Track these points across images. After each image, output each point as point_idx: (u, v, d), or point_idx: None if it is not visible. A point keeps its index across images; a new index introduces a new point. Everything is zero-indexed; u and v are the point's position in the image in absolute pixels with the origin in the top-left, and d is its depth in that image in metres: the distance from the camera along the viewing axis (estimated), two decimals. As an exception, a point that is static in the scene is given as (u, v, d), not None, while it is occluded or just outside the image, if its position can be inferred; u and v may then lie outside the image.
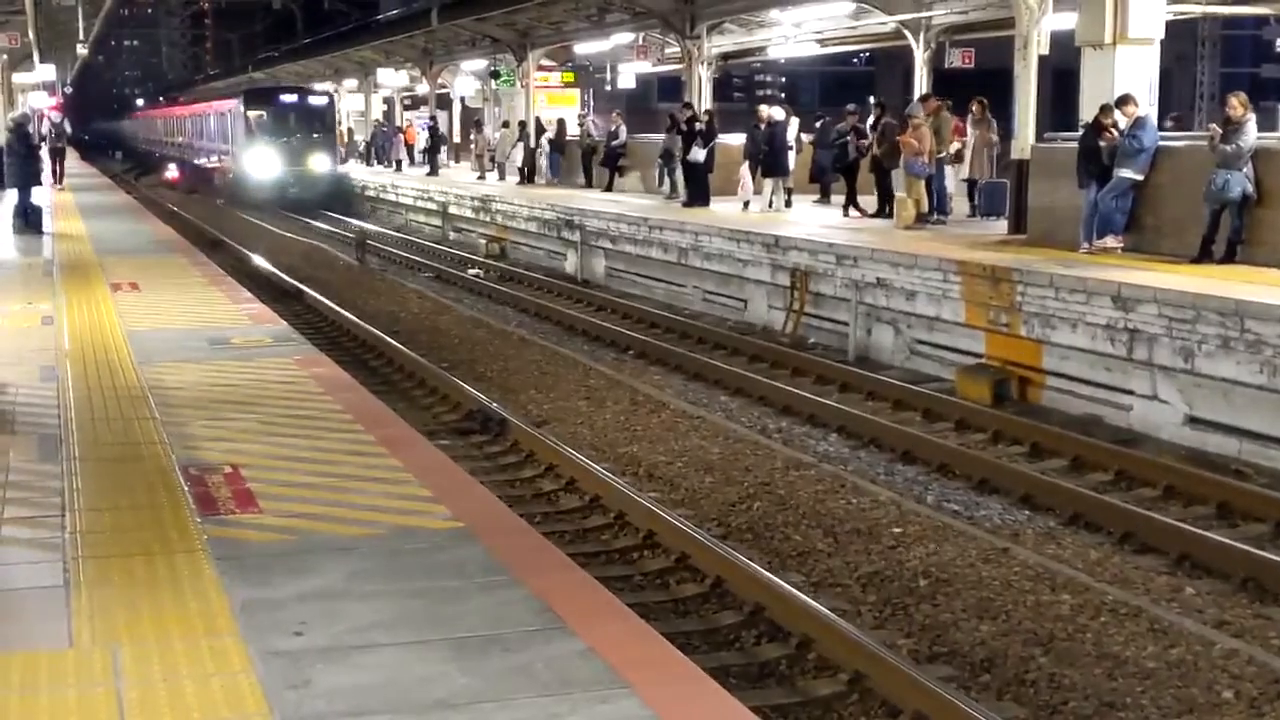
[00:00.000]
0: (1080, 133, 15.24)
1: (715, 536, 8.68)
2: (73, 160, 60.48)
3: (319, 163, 39.24)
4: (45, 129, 39.33)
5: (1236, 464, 10.79)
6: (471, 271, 23.89)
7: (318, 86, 49.09)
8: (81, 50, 33.59)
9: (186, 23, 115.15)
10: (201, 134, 49.50)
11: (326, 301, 19.21)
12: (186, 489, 6.72)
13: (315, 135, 39.57)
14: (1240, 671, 6.70)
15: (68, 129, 50.65)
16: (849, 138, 21.49)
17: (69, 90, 59.46)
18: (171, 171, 53.54)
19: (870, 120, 20.95)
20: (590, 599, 5.32)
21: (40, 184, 24.02)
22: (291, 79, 54.84)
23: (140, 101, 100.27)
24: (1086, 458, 10.81)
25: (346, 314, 17.94)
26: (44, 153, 30.83)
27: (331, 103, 42.03)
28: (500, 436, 11.44)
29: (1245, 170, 12.99)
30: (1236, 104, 13.26)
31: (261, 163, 38.85)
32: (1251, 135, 13.07)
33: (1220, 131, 13.21)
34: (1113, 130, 14.62)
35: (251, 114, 39.53)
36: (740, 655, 7.03)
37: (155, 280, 15.42)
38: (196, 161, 50.96)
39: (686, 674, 4.67)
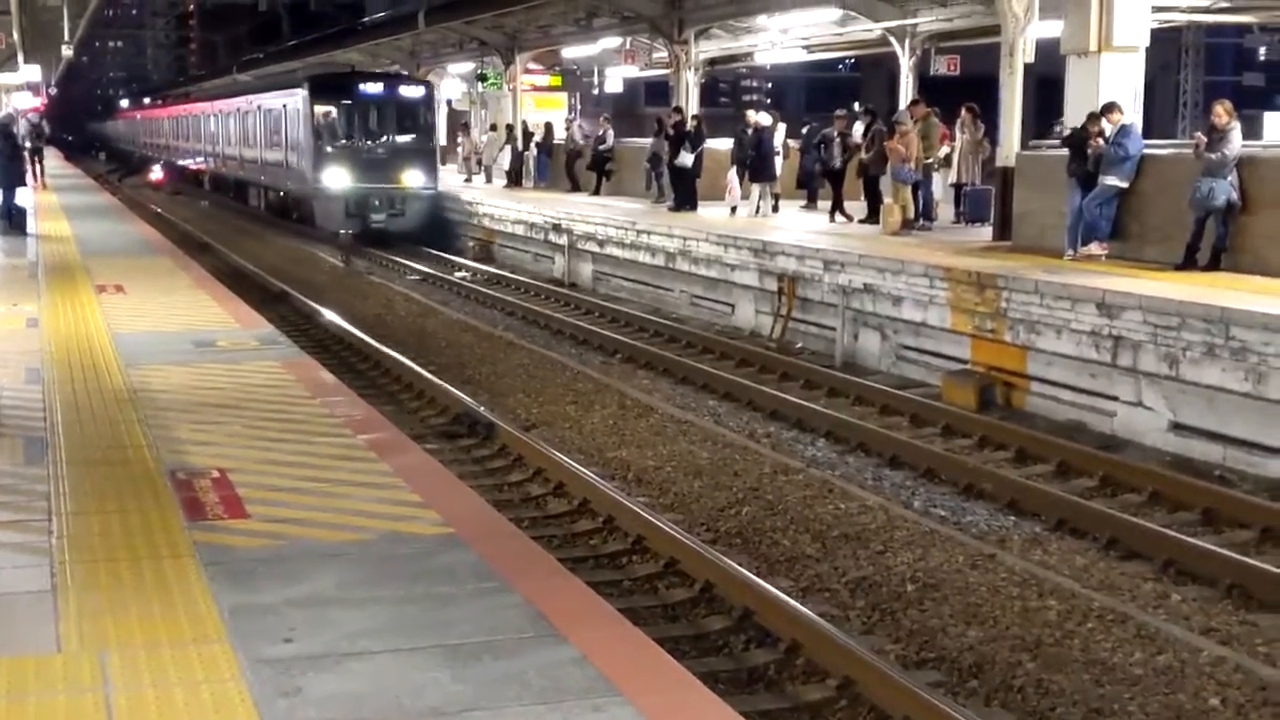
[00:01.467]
0: (1063, 137, 15.28)
1: (704, 541, 8.68)
2: (57, 162, 60.24)
3: (415, 177, 28.68)
4: (23, 129, 36.04)
5: (1221, 470, 10.83)
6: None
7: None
8: (67, 51, 33.44)
9: (172, 24, 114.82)
10: (230, 137, 39.65)
11: (313, 304, 19.16)
12: (174, 493, 6.69)
13: (410, 139, 29.48)
14: (1227, 678, 6.72)
15: (46, 129, 49.47)
16: (835, 141, 21.55)
17: (53, 91, 59.06)
18: (156, 173, 53.15)
19: (861, 128, 21.01)
20: (581, 604, 5.32)
21: (25, 184, 23.92)
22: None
23: (125, 102, 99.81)
24: (1072, 463, 10.85)
25: (333, 317, 17.90)
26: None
27: (430, 94, 31.32)
28: (488, 440, 11.43)
29: (1230, 178, 13.05)
30: (1221, 112, 13.32)
31: (335, 178, 28.33)
32: (1236, 143, 13.13)
33: (1205, 139, 13.27)
34: (1098, 139, 14.68)
35: (321, 109, 29.06)
36: (729, 660, 7.03)
37: (141, 282, 15.36)
38: (226, 172, 41.11)
39: (678, 680, 4.66)
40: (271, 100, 33.65)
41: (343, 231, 28.05)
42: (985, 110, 19.89)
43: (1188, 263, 13.36)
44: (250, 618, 5.07)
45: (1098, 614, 7.55)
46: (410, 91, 30.59)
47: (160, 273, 16.62)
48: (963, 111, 20.30)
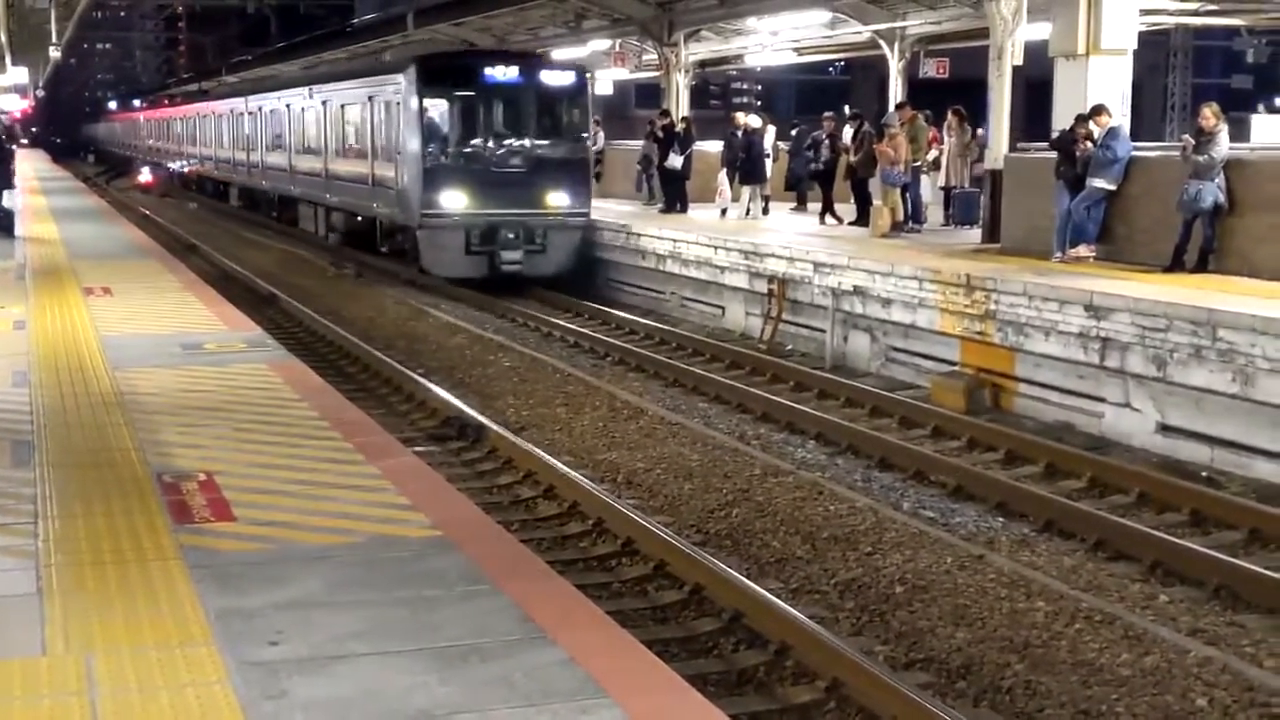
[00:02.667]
0: (1054, 139, 15.32)
1: (694, 543, 8.68)
2: (45, 164, 60.09)
3: (561, 198, 21.22)
4: None
5: (1208, 472, 10.86)
6: None
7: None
8: (55, 53, 33.34)
9: (160, 26, 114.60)
10: (272, 141, 31.93)
11: (302, 307, 19.13)
12: (161, 496, 6.67)
13: (555, 144, 21.73)
14: (1214, 679, 6.73)
15: (18, 131, 48.79)
16: (824, 143, 21.58)
17: (41, 93, 58.79)
18: (145, 175, 52.98)
19: (850, 131, 21.04)
20: (570, 607, 5.31)
21: (13, 187, 23.84)
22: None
23: (113, 104, 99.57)
24: (1060, 465, 10.87)
25: (322, 319, 17.87)
26: None
27: (583, 81, 22.34)
28: (478, 443, 11.41)
29: (1217, 180, 13.09)
30: (1209, 114, 13.37)
31: (452, 200, 20.87)
32: (1224, 146, 13.17)
33: (1193, 142, 13.31)
34: (1087, 142, 14.71)
35: (432, 103, 21.38)
36: (719, 662, 7.03)
37: (129, 285, 15.33)
38: (265, 186, 33.23)
39: (666, 683, 4.66)
40: (346, 92, 25.50)
41: (329, 235, 27.18)
42: (974, 113, 19.94)
43: (1175, 265, 13.39)
44: (237, 620, 5.06)
45: (1086, 615, 7.56)
46: (556, 77, 21.85)
47: (148, 275, 16.58)
48: (949, 115, 20.36)
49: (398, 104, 21.69)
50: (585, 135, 22.28)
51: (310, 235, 29.34)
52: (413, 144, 21.21)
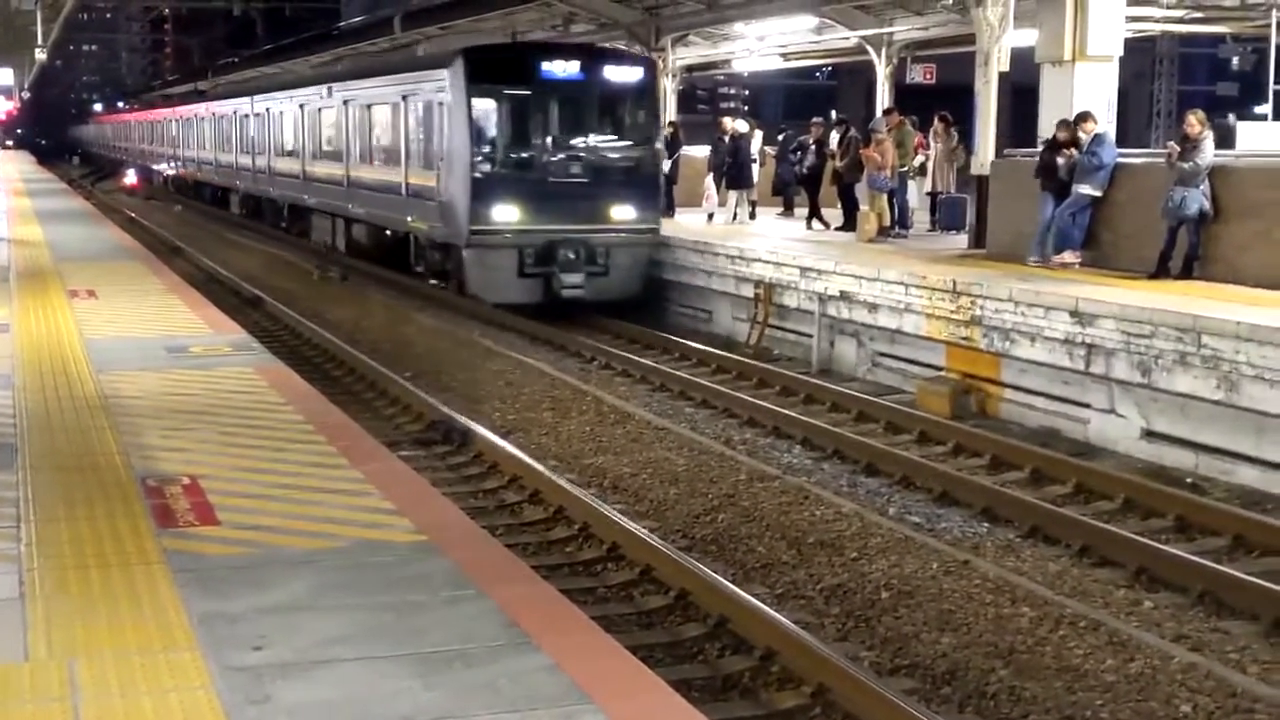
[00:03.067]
0: (1040, 148, 15.38)
1: (680, 548, 8.67)
2: (30, 165, 59.91)
3: (628, 211, 18.69)
4: None
5: (1193, 478, 10.89)
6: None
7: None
8: (40, 54, 33.23)
9: (146, 28, 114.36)
10: (285, 145, 29.16)
11: (287, 310, 19.08)
12: (144, 500, 6.64)
13: (622, 148, 19.24)
14: (1198, 685, 6.75)
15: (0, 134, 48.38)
16: (810, 149, 21.61)
17: (27, 95, 58.62)
18: (130, 177, 52.82)
19: (836, 136, 21.08)
20: (555, 613, 5.30)
21: None
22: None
23: (98, 106, 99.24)
24: (1045, 470, 10.88)
25: (308, 323, 17.83)
26: None
27: (652, 77, 19.91)
28: (464, 447, 11.39)
29: (1202, 187, 13.13)
30: (1194, 122, 13.41)
31: (504, 213, 18.27)
32: (1209, 153, 13.22)
33: (1178, 149, 13.35)
34: (1071, 148, 14.76)
35: (482, 102, 18.64)
36: (704, 668, 7.03)
37: (113, 287, 15.27)
38: (274, 194, 30.80)
39: (651, 688, 4.65)
40: (374, 90, 22.80)
41: (326, 240, 26.48)
42: (960, 119, 19.98)
43: (1160, 271, 13.44)
44: (220, 625, 5.04)
45: (1070, 620, 7.57)
46: (622, 72, 19.07)
47: (133, 278, 16.52)
48: (935, 120, 20.41)
49: (440, 103, 18.87)
50: (655, 138, 19.60)
51: (297, 240, 29.04)
52: (459, 149, 18.35)
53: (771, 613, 7.37)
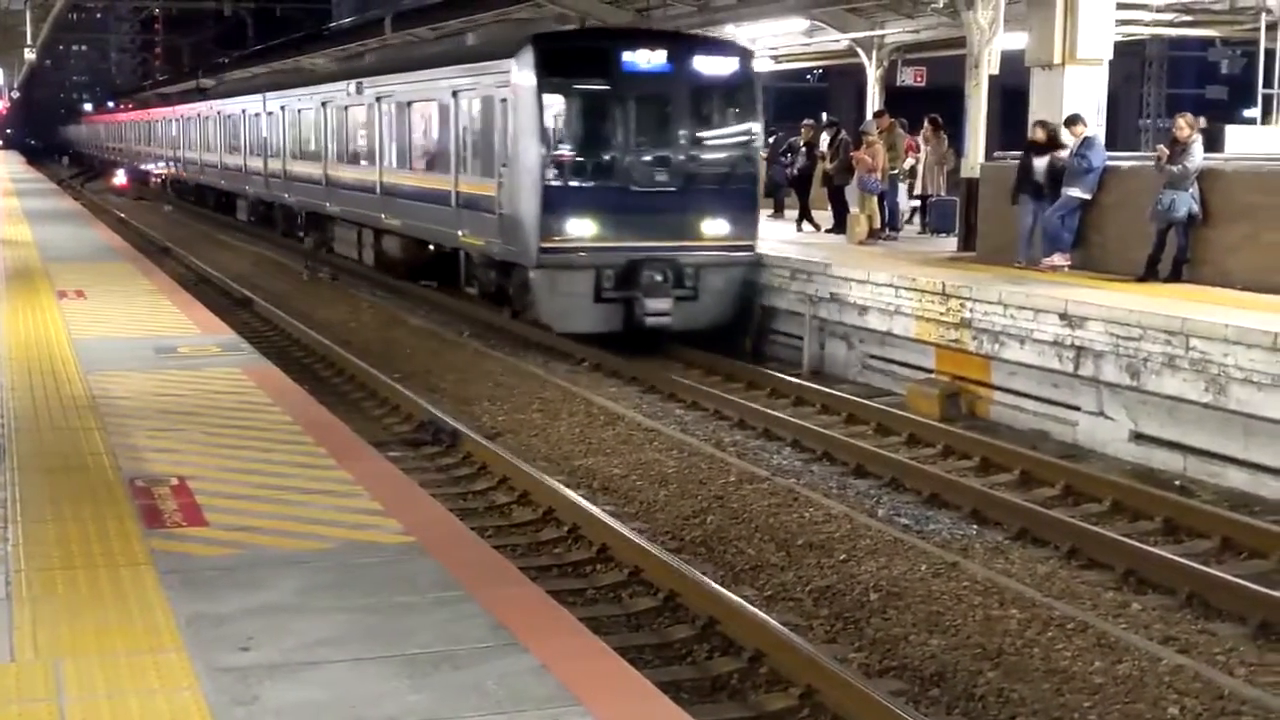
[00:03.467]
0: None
1: (669, 550, 8.67)
2: (20, 166, 59.79)
3: (721, 225, 16.20)
4: None
5: (1181, 480, 10.91)
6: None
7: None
8: (29, 55, 33.14)
9: (136, 28, 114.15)
10: (308, 146, 26.53)
11: (277, 311, 19.05)
12: (132, 501, 6.63)
13: (717, 154, 16.72)
14: (1186, 687, 6.76)
15: None
16: (801, 151, 21.63)
17: (16, 95, 58.45)
18: (119, 178, 52.69)
19: (827, 138, 21.09)
20: (543, 614, 5.29)
21: None
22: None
23: (88, 106, 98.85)
24: (1034, 473, 10.90)
25: (297, 323, 17.80)
26: None
27: (748, 69, 16.95)
28: (452, 448, 11.38)
29: (1191, 190, 13.16)
30: (1183, 125, 13.45)
31: (579, 228, 15.80)
32: (1198, 156, 13.25)
33: (1167, 152, 13.38)
34: (1051, 149, 14.82)
35: (554, 99, 16.10)
36: (693, 669, 7.03)
37: (102, 288, 15.24)
38: (288, 199, 28.11)
39: (639, 690, 4.65)
40: (417, 86, 20.22)
41: (306, 238, 26.34)
42: (950, 121, 20.01)
43: (1149, 274, 13.46)
44: (208, 626, 5.03)
45: (1058, 623, 7.59)
46: (716, 64, 16.47)
47: (122, 278, 16.48)
48: (926, 123, 20.44)
49: (502, 100, 16.25)
50: (753, 140, 16.83)
51: (288, 240, 28.91)
52: (527, 153, 15.73)
53: (760, 614, 7.37)
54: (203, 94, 43.55)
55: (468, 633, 4.98)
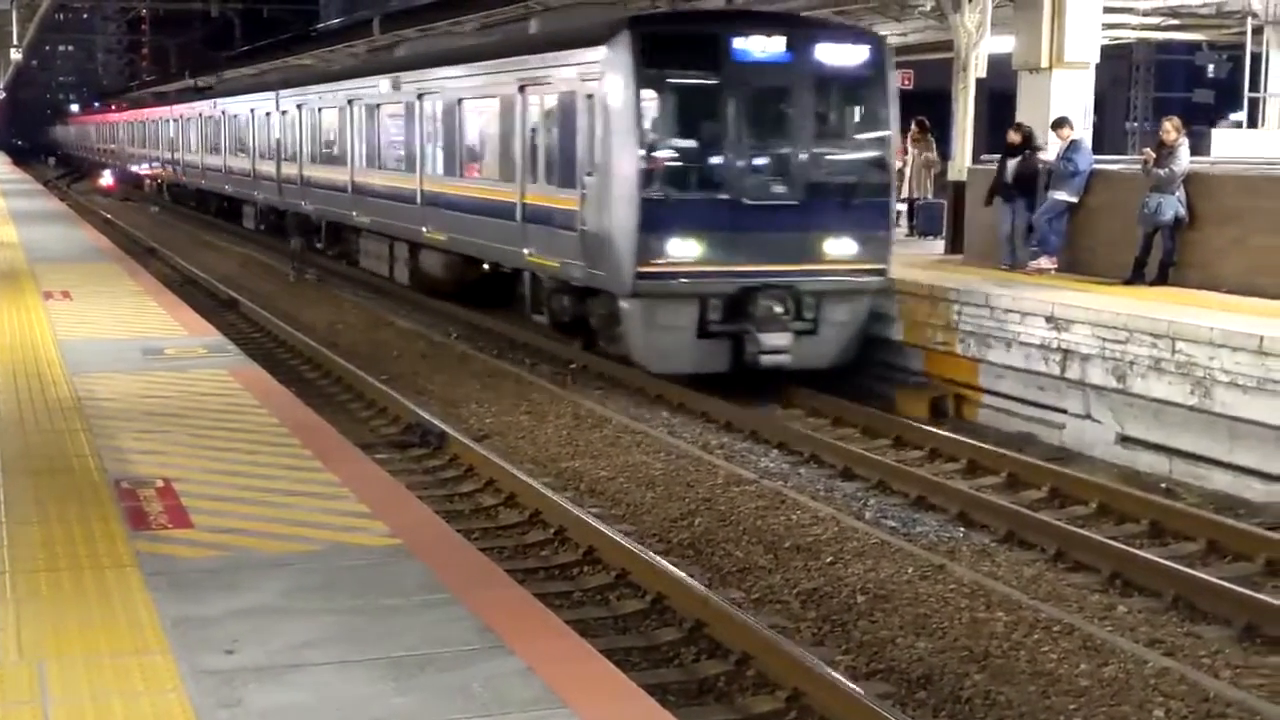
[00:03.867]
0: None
1: (656, 552, 8.66)
2: (6, 167, 59.62)
3: (848, 245, 13.84)
4: None
5: (1167, 483, 10.94)
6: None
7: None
8: (15, 55, 33.05)
9: (123, 29, 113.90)
10: (332, 150, 24.11)
11: (263, 312, 19.01)
12: (118, 503, 6.60)
13: (844, 157, 14.52)
14: (1171, 690, 6.78)
15: None
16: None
17: (2, 95, 58.19)
18: (106, 178, 52.54)
19: None
20: (529, 617, 5.29)
21: None
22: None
23: (75, 107, 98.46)
24: (1021, 475, 10.92)
25: (284, 325, 17.77)
26: None
27: (881, 57, 14.21)
28: (439, 450, 11.36)
29: (1178, 194, 13.21)
30: (1170, 128, 13.49)
31: (680, 248, 13.41)
32: (1184, 159, 13.30)
33: (1154, 155, 13.43)
34: (1027, 151, 14.89)
35: (652, 94, 13.68)
36: (680, 672, 7.02)
37: (89, 289, 15.19)
38: (309, 209, 25.46)
39: (625, 693, 4.64)
40: (472, 80, 17.67)
41: (294, 241, 25.56)
42: (938, 124, 20.05)
43: (1136, 277, 13.50)
44: (193, 628, 5.01)
45: (1045, 625, 7.60)
46: (843, 52, 13.93)
47: (109, 279, 16.44)
48: (913, 126, 20.47)
49: (589, 95, 13.79)
50: (886, 143, 14.23)
51: (272, 241, 28.73)
52: (622, 160, 13.25)
53: (747, 617, 7.37)
54: (200, 92, 41.52)
55: (454, 635, 4.97)
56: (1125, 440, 11.61)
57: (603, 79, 13.54)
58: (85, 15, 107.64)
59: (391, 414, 12.70)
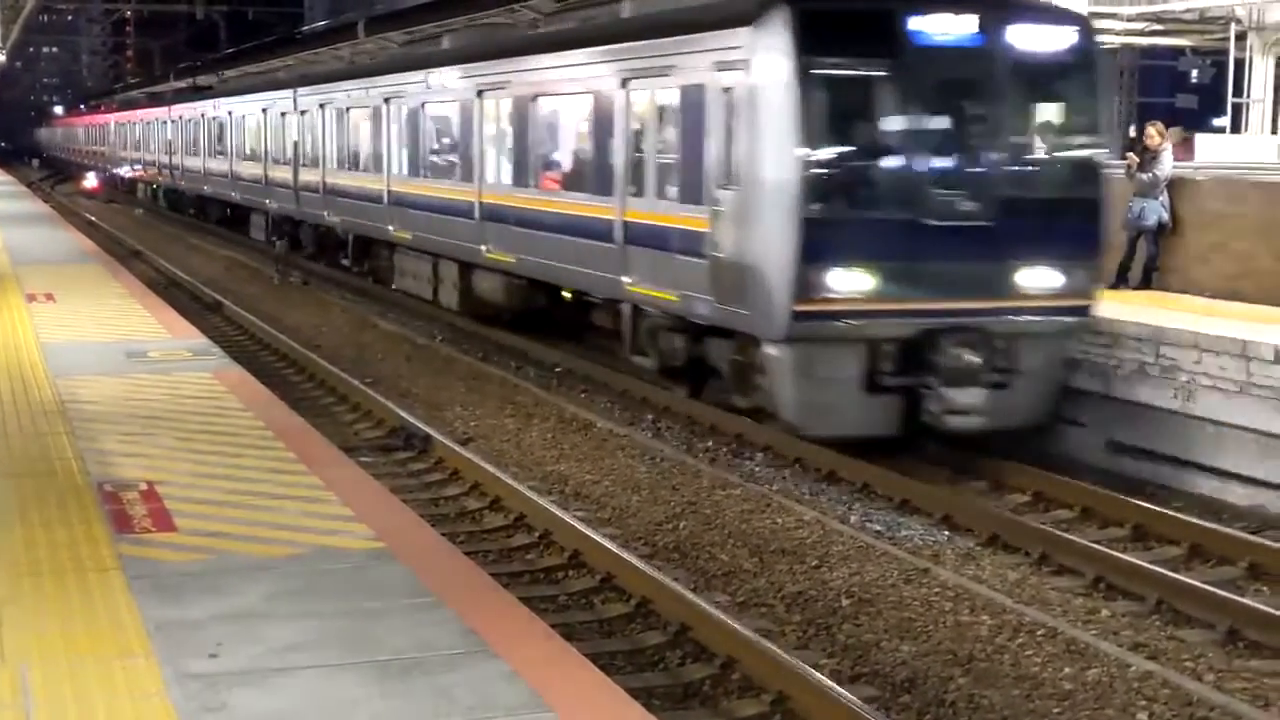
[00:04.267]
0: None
1: (641, 556, 8.66)
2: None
3: (1052, 275, 11.01)
4: None
5: (1151, 487, 10.97)
6: None
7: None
8: (-1, 56, 32.94)
9: (107, 30, 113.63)
10: (363, 155, 21.62)
11: (248, 315, 18.96)
12: (101, 506, 6.58)
13: (1053, 170, 11.82)
14: (1154, 694, 6.80)
15: None
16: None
17: None
18: (90, 181, 52.36)
19: None
20: (514, 621, 5.28)
21: None
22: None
23: (59, 110, 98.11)
24: (1005, 479, 10.93)
25: (268, 327, 17.72)
26: None
27: (1089, 44, 11.65)
28: (424, 454, 11.35)
29: (1161, 199, 13.27)
30: (1154, 133, 13.56)
31: (850, 280, 10.66)
32: (1167, 164, 13.36)
33: (1137, 160, 13.48)
34: None
35: (817, 88, 10.67)
36: (665, 676, 7.02)
37: (72, 291, 15.14)
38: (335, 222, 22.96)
39: (610, 697, 4.64)
40: (572, 70, 14.61)
41: (277, 242, 25.40)
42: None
43: (1120, 281, 13.55)
44: (176, 632, 4.99)
45: (1029, 629, 7.62)
46: (1046, 36, 11.41)
47: (93, 281, 16.38)
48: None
49: (726, 89, 11.26)
50: (1098, 147, 11.61)
51: (256, 243, 28.63)
52: (778, 169, 10.67)
53: (732, 621, 7.37)
54: (199, 92, 39.43)
55: (438, 639, 4.96)
56: (1109, 444, 11.62)
57: (749, 68, 10.93)
58: (70, 17, 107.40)
59: (376, 417, 12.68)
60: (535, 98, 15.40)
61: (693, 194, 11.83)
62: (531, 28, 20.69)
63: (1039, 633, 7.56)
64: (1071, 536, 9.38)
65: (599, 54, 13.89)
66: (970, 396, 10.71)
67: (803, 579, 8.52)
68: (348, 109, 22.44)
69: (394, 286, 20.50)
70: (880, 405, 10.91)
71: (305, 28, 49.03)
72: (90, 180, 52.39)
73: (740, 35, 11.14)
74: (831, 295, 10.65)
